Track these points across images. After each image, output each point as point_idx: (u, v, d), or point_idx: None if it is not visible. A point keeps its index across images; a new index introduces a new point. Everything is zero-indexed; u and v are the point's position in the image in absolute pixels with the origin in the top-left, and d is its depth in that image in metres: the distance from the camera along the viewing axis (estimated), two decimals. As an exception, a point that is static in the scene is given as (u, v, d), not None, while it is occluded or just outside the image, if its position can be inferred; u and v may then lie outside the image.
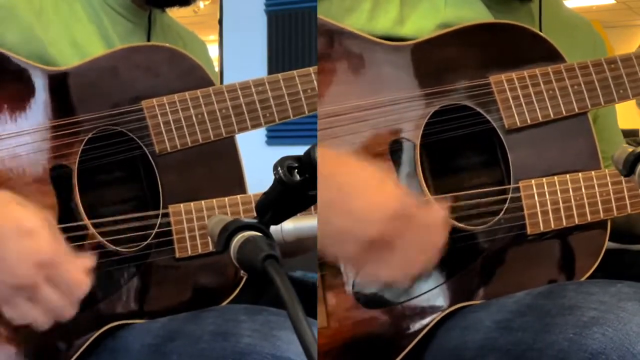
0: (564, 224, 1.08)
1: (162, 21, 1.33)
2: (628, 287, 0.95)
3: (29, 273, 0.93)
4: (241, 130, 1.15)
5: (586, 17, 1.45)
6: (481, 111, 1.10)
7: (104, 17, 1.21)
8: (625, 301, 0.92)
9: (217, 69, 1.55)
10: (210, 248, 1.11)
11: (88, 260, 0.99)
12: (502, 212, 1.08)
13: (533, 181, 1.09)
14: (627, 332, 0.88)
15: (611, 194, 1.09)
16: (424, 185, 1.07)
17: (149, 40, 1.27)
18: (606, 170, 1.10)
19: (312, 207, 0.99)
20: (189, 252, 1.11)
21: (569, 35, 1.32)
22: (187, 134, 1.13)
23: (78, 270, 0.98)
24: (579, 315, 0.92)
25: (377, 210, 0.89)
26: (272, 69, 4.41)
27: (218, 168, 1.15)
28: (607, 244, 1.11)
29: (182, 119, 1.12)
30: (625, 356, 0.86)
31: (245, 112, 1.15)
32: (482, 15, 1.17)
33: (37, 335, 1.02)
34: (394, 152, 1.07)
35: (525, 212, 1.08)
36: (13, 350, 1.03)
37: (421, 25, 1.13)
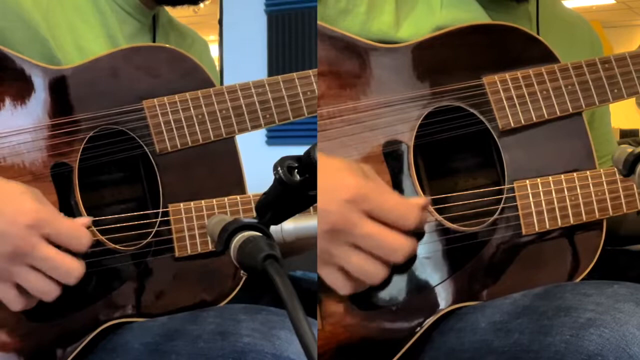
0: (559, 224, 1.08)
1: (165, 21, 1.34)
2: (625, 288, 0.95)
3: (21, 236, 0.92)
4: (241, 130, 1.15)
5: (585, 17, 1.45)
6: (475, 112, 1.10)
7: (111, 17, 1.21)
8: (621, 302, 0.91)
9: (217, 69, 1.56)
10: (210, 248, 1.12)
11: (84, 218, 1.01)
12: (497, 212, 1.08)
13: (527, 181, 1.08)
14: (623, 334, 0.88)
15: (606, 193, 1.08)
16: (418, 186, 1.07)
17: (154, 40, 1.27)
18: (601, 170, 1.09)
19: (312, 207, 1.00)
20: (189, 252, 1.12)
21: (567, 34, 1.32)
22: (187, 134, 1.13)
23: (75, 224, 0.98)
24: (575, 317, 0.92)
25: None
26: (271, 69, 4.41)
27: (218, 168, 1.15)
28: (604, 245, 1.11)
29: (183, 119, 1.13)
30: (622, 357, 0.86)
31: (245, 113, 1.15)
32: (478, 16, 1.17)
33: (35, 334, 1.03)
34: (388, 154, 1.07)
35: (520, 212, 1.08)
36: (10, 349, 1.03)
37: (417, 28, 1.13)
